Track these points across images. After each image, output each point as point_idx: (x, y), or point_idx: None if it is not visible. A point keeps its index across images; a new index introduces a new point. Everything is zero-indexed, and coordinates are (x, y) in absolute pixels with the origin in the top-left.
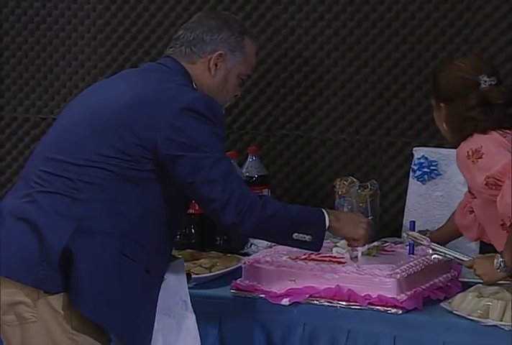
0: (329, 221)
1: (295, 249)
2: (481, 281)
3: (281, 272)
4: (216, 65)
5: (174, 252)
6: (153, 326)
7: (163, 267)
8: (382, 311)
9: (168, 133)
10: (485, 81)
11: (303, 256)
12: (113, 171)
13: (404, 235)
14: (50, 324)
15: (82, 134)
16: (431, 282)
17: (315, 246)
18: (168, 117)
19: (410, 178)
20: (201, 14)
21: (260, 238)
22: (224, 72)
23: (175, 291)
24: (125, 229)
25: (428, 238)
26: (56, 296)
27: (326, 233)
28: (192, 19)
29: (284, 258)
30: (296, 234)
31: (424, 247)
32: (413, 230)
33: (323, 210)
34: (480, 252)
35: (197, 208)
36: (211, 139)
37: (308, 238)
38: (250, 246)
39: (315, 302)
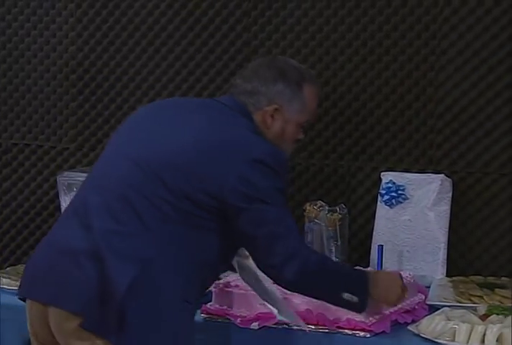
0: (371, 287)
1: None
2: (448, 304)
3: (251, 296)
4: (272, 116)
5: None
6: None
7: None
8: (350, 334)
9: (237, 184)
10: None
11: None
12: (181, 216)
13: None
14: None
15: (142, 175)
16: (399, 306)
17: (361, 308)
18: (238, 168)
19: (379, 202)
20: (258, 63)
21: (306, 294)
22: (281, 123)
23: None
24: (186, 274)
25: None
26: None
27: None
28: (249, 66)
29: None
30: (347, 294)
31: None
32: (381, 255)
33: (367, 275)
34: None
35: None
36: (275, 193)
37: (355, 299)
38: None
39: (284, 326)
